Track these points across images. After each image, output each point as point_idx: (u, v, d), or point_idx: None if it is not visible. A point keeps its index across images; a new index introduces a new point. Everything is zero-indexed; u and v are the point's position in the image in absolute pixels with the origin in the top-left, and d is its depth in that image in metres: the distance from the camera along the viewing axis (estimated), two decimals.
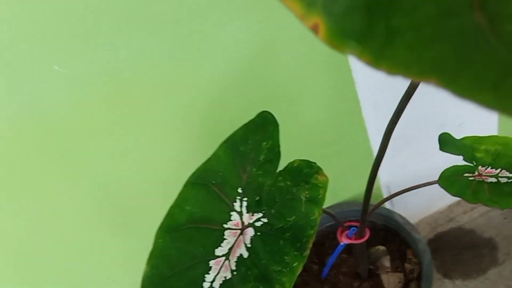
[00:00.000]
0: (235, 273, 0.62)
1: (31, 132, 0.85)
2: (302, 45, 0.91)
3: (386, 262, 1.15)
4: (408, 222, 1.17)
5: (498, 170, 0.75)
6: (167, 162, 0.99)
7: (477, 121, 1.24)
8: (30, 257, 1.05)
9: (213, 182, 0.65)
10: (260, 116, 0.67)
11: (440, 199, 1.45)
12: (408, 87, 0.63)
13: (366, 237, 0.94)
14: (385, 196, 1.30)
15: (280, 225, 0.62)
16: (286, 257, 0.60)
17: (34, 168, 0.90)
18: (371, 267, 1.15)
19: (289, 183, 0.62)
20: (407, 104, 0.64)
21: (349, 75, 1.02)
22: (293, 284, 0.59)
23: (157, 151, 0.96)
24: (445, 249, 1.35)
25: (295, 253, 0.60)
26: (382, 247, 1.17)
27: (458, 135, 1.28)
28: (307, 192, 0.62)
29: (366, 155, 1.20)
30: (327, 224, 1.26)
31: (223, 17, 0.81)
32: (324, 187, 0.61)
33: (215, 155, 0.66)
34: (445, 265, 1.33)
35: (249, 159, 0.65)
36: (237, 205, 0.65)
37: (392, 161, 1.24)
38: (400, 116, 0.66)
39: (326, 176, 0.62)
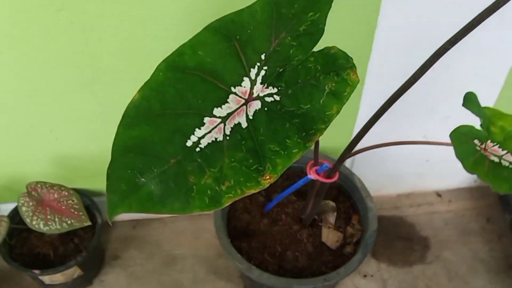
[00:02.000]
0: (227, 138, 0.56)
1: None
2: None
3: (331, 218, 1.13)
4: (365, 188, 1.14)
5: (504, 152, 0.72)
6: (167, 37, 0.91)
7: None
8: None
9: (238, 37, 0.58)
10: None
11: (393, 186, 1.45)
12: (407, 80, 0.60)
13: (335, 179, 0.91)
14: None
15: (292, 109, 0.56)
16: (288, 140, 0.55)
17: None
18: (316, 217, 1.12)
19: (319, 67, 0.56)
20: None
21: (374, 19, 0.97)
22: (285, 169, 0.54)
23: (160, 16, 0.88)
24: (381, 231, 1.35)
25: (298, 140, 0.55)
26: (332, 203, 1.14)
27: (444, 127, 1.28)
28: (333, 84, 0.56)
29: (352, 111, 1.17)
30: None
31: None
32: (353, 86, 0.56)
33: (250, 8, 0.59)
34: (376, 245, 1.33)
35: (288, 25, 0.58)
36: (253, 72, 0.58)
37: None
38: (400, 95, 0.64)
39: (358, 77, 0.57)
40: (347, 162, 1.34)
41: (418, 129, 1.26)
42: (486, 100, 1.20)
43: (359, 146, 0.84)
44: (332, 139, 1.12)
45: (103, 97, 1.02)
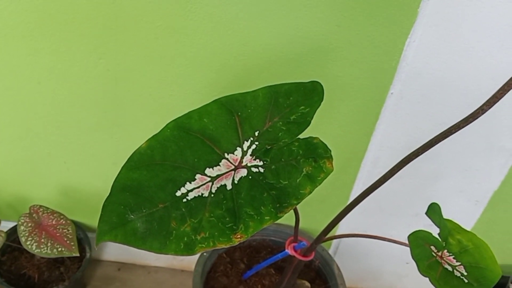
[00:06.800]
0: (212, 195, 0.64)
1: None
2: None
3: None
4: (341, 276, 1.20)
5: (458, 264, 0.79)
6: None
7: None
8: None
9: (239, 113, 0.69)
10: (312, 83, 0.71)
11: (371, 281, 1.49)
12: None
13: (310, 258, 0.98)
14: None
15: (272, 182, 0.65)
16: (262, 208, 0.63)
17: None
18: None
19: (300, 151, 0.66)
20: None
21: (372, 123, 1.07)
22: (255, 232, 0.62)
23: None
24: None
25: (272, 209, 0.63)
26: (307, 283, 1.20)
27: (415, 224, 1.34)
28: (310, 168, 0.65)
29: (342, 199, 1.25)
30: (273, 238, 1.29)
31: None
32: (327, 173, 0.65)
33: (254, 92, 0.70)
34: None
35: (282, 112, 0.69)
36: (246, 144, 0.68)
37: (358, 218, 1.29)
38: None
39: (333, 166, 0.65)
40: (331, 249, 1.40)
41: (402, 231, 1.33)
42: (468, 218, 1.27)
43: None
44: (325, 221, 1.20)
45: (117, 139, 1.12)
